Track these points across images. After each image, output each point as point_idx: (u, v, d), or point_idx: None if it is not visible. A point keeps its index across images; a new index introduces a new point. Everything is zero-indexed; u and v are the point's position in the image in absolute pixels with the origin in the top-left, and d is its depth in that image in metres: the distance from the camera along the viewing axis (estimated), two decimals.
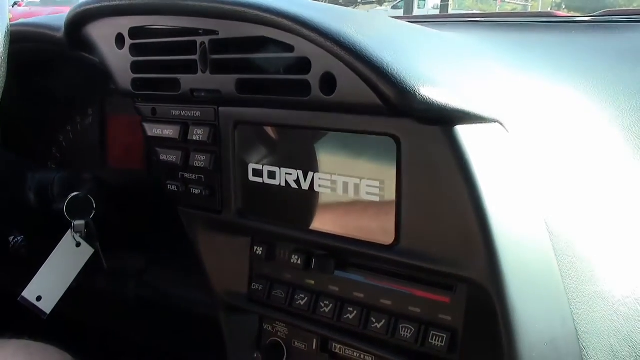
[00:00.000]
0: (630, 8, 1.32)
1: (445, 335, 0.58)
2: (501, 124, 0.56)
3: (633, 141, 0.69)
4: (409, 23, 0.72)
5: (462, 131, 0.53)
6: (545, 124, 0.62)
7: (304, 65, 0.59)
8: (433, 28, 0.74)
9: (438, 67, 0.57)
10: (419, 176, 0.56)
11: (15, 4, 18.68)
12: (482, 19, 1.11)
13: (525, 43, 0.92)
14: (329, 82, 0.57)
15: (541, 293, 0.54)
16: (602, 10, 1.25)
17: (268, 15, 0.60)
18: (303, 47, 0.58)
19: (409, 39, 0.63)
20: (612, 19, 1.06)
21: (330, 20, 0.57)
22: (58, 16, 0.99)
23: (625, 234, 0.61)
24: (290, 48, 0.60)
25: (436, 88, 0.52)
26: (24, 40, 0.93)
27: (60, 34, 0.88)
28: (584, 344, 0.56)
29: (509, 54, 0.80)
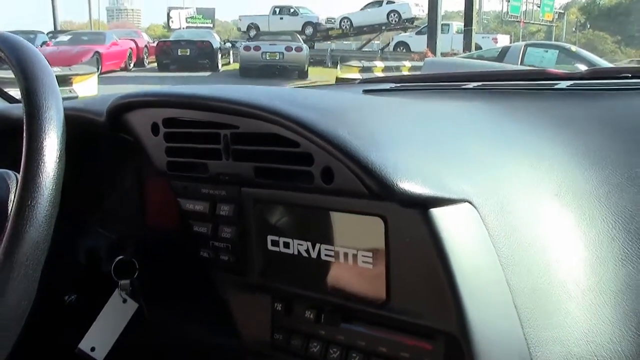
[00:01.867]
0: (615, 68, 1.38)
1: None
2: (470, 202, 0.69)
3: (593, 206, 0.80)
4: (400, 102, 0.86)
5: (436, 213, 0.66)
6: (508, 200, 0.74)
7: (308, 158, 0.73)
8: (422, 95, 0.87)
9: (416, 159, 0.70)
10: (402, 248, 0.69)
11: (44, 43, 19.21)
12: (473, 85, 1.21)
13: (506, 111, 1.03)
14: (328, 173, 0.71)
15: (503, 340, 0.67)
16: (590, 69, 1.36)
17: (276, 118, 0.74)
18: (306, 145, 0.72)
19: (393, 132, 0.76)
20: (595, 84, 1.13)
21: (328, 122, 0.71)
22: (98, 101, 1.15)
23: (572, 287, 0.74)
24: (296, 144, 0.74)
25: (412, 181, 0.66)
26: (69, 123, 1.08)
27: (102, 119, 1.03)
28: None
29: (487, 126, 0.93)
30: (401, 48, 22.48)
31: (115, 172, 1.22)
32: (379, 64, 11.97)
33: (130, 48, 19.91)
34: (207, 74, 17.95)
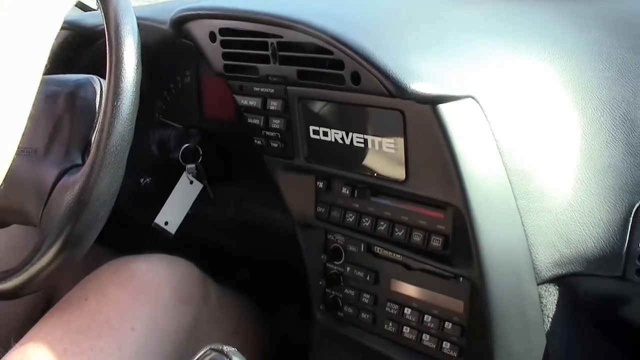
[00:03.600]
0: None
1: (441, 239, 0.89)
2: (474, 98, 0.84)
3: (578, 99, 0.93)
4: (419, 5, 0.98)
5: (443, 108, 0.81)
6: (508, 93, 0.88)
7: (340, 64, 0.88)
8: None
9: (427, 62, 0.84)
10: (418, 138, 0.85)
11: None
12: None
13: (518, 9, 1.12)
14: (356, 76, 0.86)
15: (498, 210, 0.84)
16: None
17: (313, 31, 0.89)
18: (338, 53, 0.87)
19: (409, 39, 0.90)
20: None
21: (355, 34, 0.86)
22: (161, 9, 1.30)
23: (561, 166, 0.89)
24: (330, 52, 0.89)
25: (423, 82, 0.80)
26: (140, 31, 1.24)
27: (166, 27, 1.19)
28: (531, 242, 0.86)
29: (498, 25, 1.04)
30: None
31: (177, 71, 1.39)
32: None
33: None
34: None
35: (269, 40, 0.98)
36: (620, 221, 0.88)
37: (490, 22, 1.06)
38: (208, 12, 1.07)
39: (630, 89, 0.94)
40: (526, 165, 0.87)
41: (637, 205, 0.88)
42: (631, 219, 0.88)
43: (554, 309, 0.91)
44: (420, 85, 0.80)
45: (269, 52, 0.99)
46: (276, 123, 1.03)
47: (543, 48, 0.98)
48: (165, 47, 1.28)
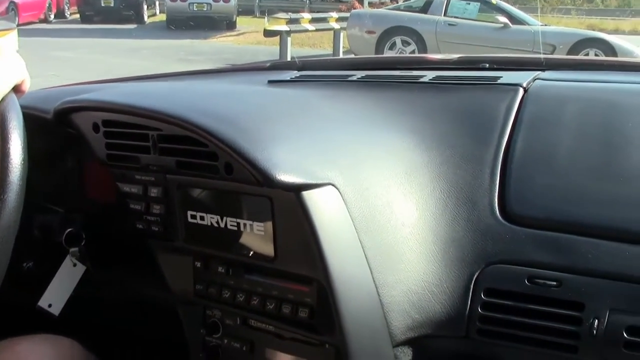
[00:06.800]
0: (477, 57, 1.59)
1: (307, 310, 0.99)
2: (333, 185, 0.96)
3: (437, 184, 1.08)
4: (290, 98, 1.10)
5: (306, 194, 0.93)
6: (364, 179, 1.01)
7: (214, 155, 0.99)
8: (314, 86, 1.12)
9: (291, 154, 0.96)
10: (284, 221, 0.96)
11: None
12: (357, 77, 1.43)
13: (378, 102, 1.26)
14: (229, 167, 0.97)
15: (356, 284, 0.96)
16: (458, 58, 1.59)
17: (188, 126, 0.99)
18: (212, 146, 0.98)
19: (276, 132, 1.02)
20: (450, 78, 1.34)
21: (226, 129, 0.97)
22: (44, 96, 1.36)
23: (413, 242, 1.02)
24: (205, 145, 0.99)
25: (287, 172, 0.92)
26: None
27: (50, 116, 1.25)
28: (386, 311, 0.98)
29: (358, 116, 1.19)
30: None
31: (61, 157, 1.44)
32: (306, 15, 12.11)
33: None
34: (133, 26, 17.65)
35: (150, 133, 1.07)
36: (462, 288, 1.02)
37: (349, 115, 1.20)
38: (92, 104, 1.15)
39: (471, 173, 1.09)
40: (381, 242, 0.99)
41: (476, 274, 1.02)
42: (472, 286, 1.01)
43: None
44: (285, 175, 0.91)
45: (149, 144, 1.08)
46: (156, 208, 1.12)
47: (398, 138, 1.12)
48: (49, 135, 1.34)
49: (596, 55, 8.90)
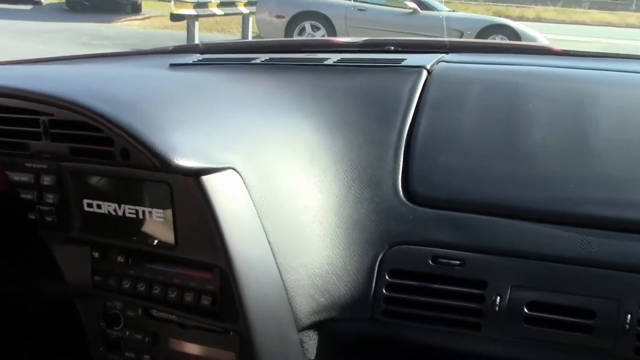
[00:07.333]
0: (383, 40, 1.59)
1: (210, 297, 0.97)
2: (234, 169, 0.94)
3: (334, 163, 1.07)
4: (191, 81, 1.07)
5: (206, 179, 0.91)
6: (266, 163, 1.00)
7: (109, 141, 0.95)
8: (218, 70, 1.08)
9: (189, 138, 0.93)
10: (184, 207, 0.93)
11: None
12: (260, 60, 1.41)
13: (281, 85, 1.25)
14: (125, 153, 0.93)
15: (260, 269, 0.94)
16: (363, 40, 1.59)
17: (83, 111, 0.95)
18: (107, 131, 0.94)
19: (174, 116, 0.99)
20: (354, 60, 1.34)
21: (122, 114, 0.93)
22: None
23: (316, 225, 1.02)
24: (100, 130, 0.95)
25: (185, 157, 0.89)
26: None
27: None
28: (290, 295, 0.97)
29: (260, 100, 1.17)
30: None
31: None
32: None
33: None
34: (28, 7, 16.86)
35: (40, 118, 1.02)
36: (367, 270, 1.02)
37: (252, 98, 1.18)
38: None
39: (375, 155, 1.09)
40: (284, 226, 0.98)
41: (380, 255, 1.02)
42: (376, 267, 1.02)
43: (315, 352, 1.03)
44: (183, 160, 0.89)
45: (40, 129, 1.03)
46: (50, 198, 1.07)
47: (301, 121, 1.11)
48: None
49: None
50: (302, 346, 1.01)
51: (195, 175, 0.90)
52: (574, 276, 0.96)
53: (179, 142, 0.91)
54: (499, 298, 0.96)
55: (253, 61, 1.38)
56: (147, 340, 1.09)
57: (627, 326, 0.92)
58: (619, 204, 1.00)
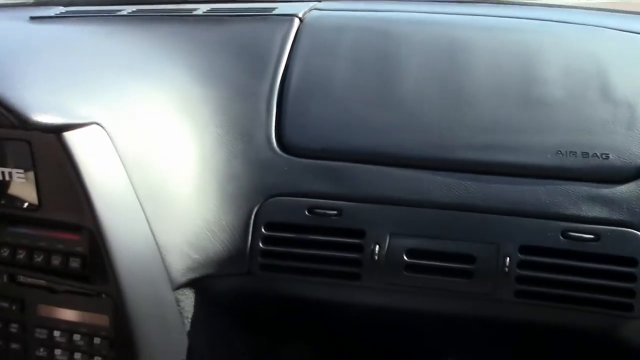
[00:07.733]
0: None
1: (79, 260, 0.93)
2: (99, 124, 0.90)
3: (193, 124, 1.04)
4: (51, 34, 1.00)
5: (68, 136, 0.86)
6: (133, 118, 0.95)
7: None
8: (83, 22, 1.02)
9: (48, 93, 0.88)
10: (47, 166, 0.89)
11: None
12: (127, 12, 1.34)
13: (149, 38, 1.19)
14: None
15: (130, 231, 0.91)
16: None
17: None
18: None
19: (32, 71, 0.93)
20: (225, 10, 1.29)
21: None
22: None
23: (193, 181, 0.99)
24: None
25: (44, 112, 0.84)
26: None
27: None
28: (163, 253, 0.94)
29: (127, 54, 1.12)
30: None
31: None
32: None
33: None
34: None
35: None
36: (243, 224, 1.00)
37: (118, 52, 1.12)
38: None
39: (248, 107, 1.07)
40: (154, 182, 0.95)
41: (256, 208, 1.01)
42: (252, 221, 1.01)
43: (192, 311, 1.01)
44: (42, 116, 0.84)
45: None
46: None
47: (171, 74, 1.07)
48: None
49: None
50: (179, 305, 0.99)
51: (56, 131, 0.85)
52: (453, 222, 0.97)
53: (38, 98, 0.86)
54: (377, 247, 0.96)
55: (119, 13, 1.32)
56: (14, 308, 1.03)
57: (506, 269, 0.94)
58: (494, 148, 1.00)
